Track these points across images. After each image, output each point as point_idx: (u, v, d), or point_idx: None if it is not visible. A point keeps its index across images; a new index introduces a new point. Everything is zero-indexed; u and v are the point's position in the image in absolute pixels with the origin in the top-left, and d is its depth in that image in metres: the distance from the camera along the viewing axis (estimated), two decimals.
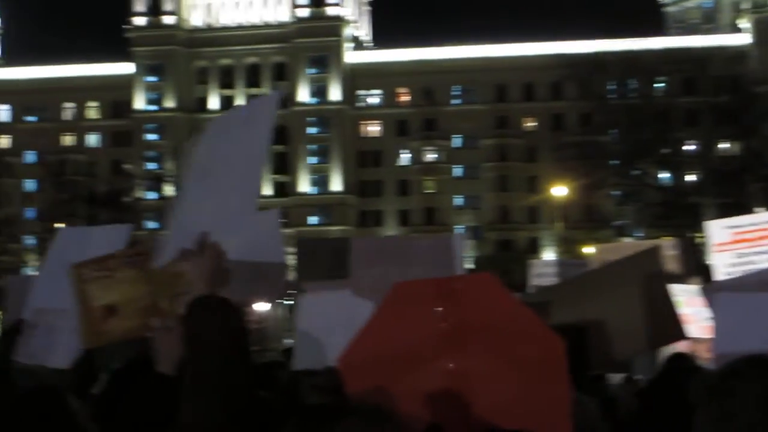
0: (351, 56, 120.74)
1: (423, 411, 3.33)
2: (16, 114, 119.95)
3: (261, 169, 3.53)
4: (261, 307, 38.29)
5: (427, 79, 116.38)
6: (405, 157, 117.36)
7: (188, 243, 3.28)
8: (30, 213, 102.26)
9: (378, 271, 5.49)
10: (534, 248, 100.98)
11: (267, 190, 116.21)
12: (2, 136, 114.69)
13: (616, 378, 10.56)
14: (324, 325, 5.70)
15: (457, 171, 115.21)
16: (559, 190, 78.79)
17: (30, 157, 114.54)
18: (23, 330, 5.58)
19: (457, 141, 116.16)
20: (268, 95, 3.79)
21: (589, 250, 49.63)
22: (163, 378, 3.52)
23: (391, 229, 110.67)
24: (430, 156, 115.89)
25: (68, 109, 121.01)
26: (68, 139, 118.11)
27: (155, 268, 3.78)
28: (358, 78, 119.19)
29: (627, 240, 63.15)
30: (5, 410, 3.65)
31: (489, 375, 3.34)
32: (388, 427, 3.01)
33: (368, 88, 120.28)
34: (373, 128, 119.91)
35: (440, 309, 3.44)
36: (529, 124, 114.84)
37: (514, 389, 3.34)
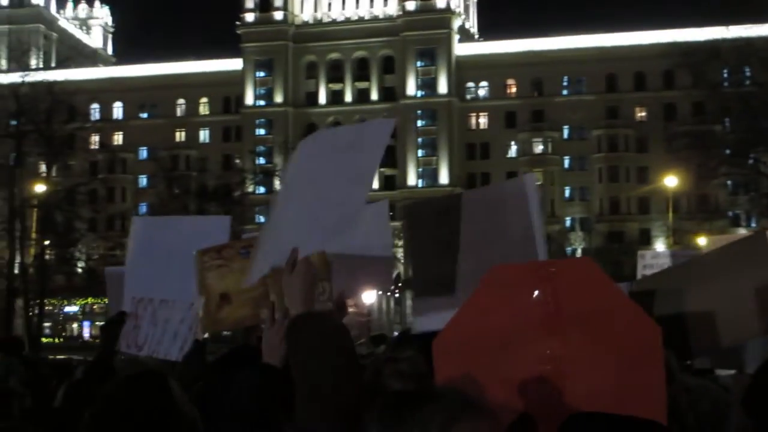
0: (459, 48, 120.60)
1: (516, 397, 3.22)
2: (129, 111, 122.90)
3: (365, 194, 3.48)
4: (369, 299, 38.56)
5: (535, 70, 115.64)
6: (513, 149, 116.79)
7: (281, 259, 3.30)
8: (143, 208, 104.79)
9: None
10: (645, 239, 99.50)
11: (375, 183, 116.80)
12: (116, 133, 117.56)
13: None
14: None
15: (566, 162, 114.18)
16: (671, 181, 77.47)
17: (143, 153, 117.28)
18: (126, 321, 5.61)
19: (566, 132, 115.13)
20: (383, 121, 3.73)
21: (701, 240, 48.64)
22: (269, 369, 3.57)
23: None
24: (539, 147, 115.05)
25: (180, 106, 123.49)
26: (180, 135, 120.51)
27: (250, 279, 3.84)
28: (466, 70, 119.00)
29: (740, 231, 61.79)
30: (108, 393, 3.71)
31: (585, 361, 3.21)
32: (471, 414, 2.93)
33: (476, 80, 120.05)
34: (481, 120, 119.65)
35: (537, 293, 3.29)
36: (640, 114, 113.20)
37: (609, 376, 3.21)
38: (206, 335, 5.29)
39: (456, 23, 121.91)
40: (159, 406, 3.53)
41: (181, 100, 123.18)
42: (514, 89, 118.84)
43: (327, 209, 3.41)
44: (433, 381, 3.29)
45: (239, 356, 4.68)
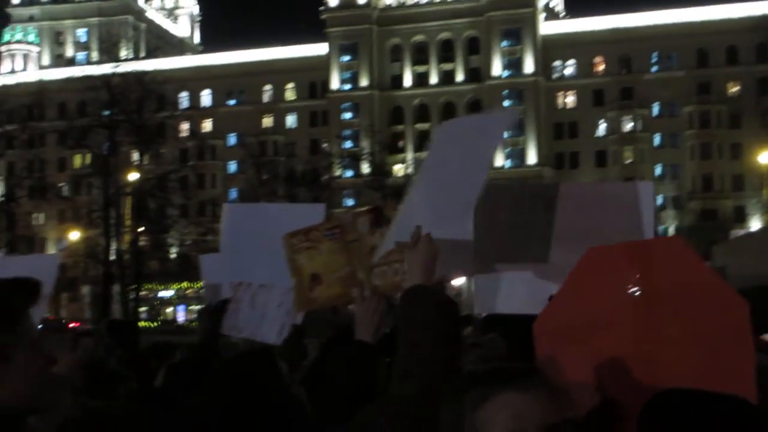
0: (544, 27, 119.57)
1: (611, 379, 3.22)
2: (217, 98, 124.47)
3: (482, 180, 3.56)
4: (458, 281, 38.46)
5: (623, 47, 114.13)
6: (602, 128, 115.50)
7: (405, 236, 3.43)
8: (233, 194, 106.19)
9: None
10: (739, 217, 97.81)
11: None
12: (205, 120, 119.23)
13: None
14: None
15: (657, 140, 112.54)
16: (765, 157, 75.93)
17: (231, 139, 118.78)
18: (229, 305, 5.71)
19: (655, 109, 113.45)
20: (508, 111, 3.86)
21: None
22: (362, 345, 3.67)
23: None
24: (628, 125, 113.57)
25: (267, 92, 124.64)
26: (267, 121, 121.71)
27: (352, 242, 4.11)
28: (552, 49, 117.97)
29: None
30: (216, 371, 3.78)
31: (677, 342, 3.21)
32: (544, 394, 2.94)
33: (563, 59, 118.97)
34: (569, 99, 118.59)
35: (633, 273, 3.29)
36: (732, 89, 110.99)
37: (701, 356, 3.19)
38: (300, 320, 5.39)
39: (541, 2, 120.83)
40: (269, 383, 3.57)
41: (268, 86, 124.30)
42: (601, 67, 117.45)
43: (448, 193, 3.53)
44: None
45: (342, 337, 4.76)
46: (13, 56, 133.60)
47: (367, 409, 3.22)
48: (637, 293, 3.27)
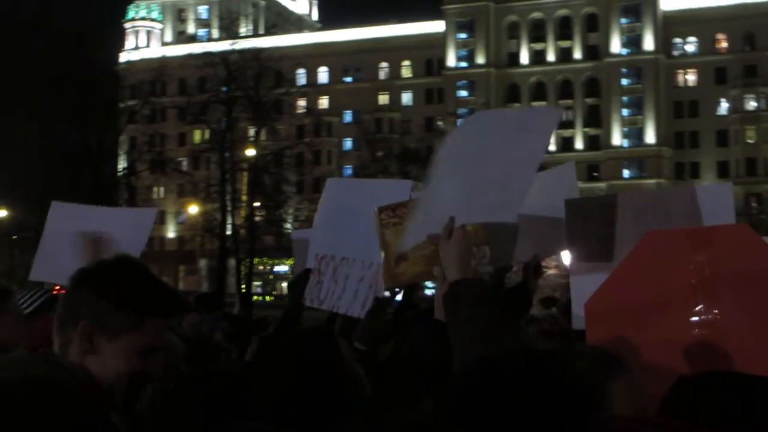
0: (666, 3, 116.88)
1: (669, 361, 3.24)
2: (334, 75, 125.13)
3: (532, 175, 3.59)
4: (567, 259, 38.03)
5: (747, 23, 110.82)
6: (724, 107, 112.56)
7: (437, 228, 3.43)
8: (347, 171, 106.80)
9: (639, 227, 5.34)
10: None
11: (578, 143, 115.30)
12: (321, 97, 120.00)
13: None
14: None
15: None
16: None
17: (347, 116, 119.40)
18: (311, 277, 5.84)
19: None
20: (551, 108, 3.85)
21: None
22: (440, 325, 3.64)
23: (709, 181, 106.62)
24: (751, 104, 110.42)
25: (383, 69, 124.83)
26: (383, 98, 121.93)
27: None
28: (673, 26, 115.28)
29: None
30: (280, 346, 3.90)
31: (740, 326, 3.22)
32: (617, 369, 2.98)
33: (684, 36, 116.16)
34: (690, 77, 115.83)
35: (695, 258, 3.29)
36: None
37: (764, 341, 3.20)
38: (386, 292, 5.48)
39: None
40: (323, 361, 3.67)
41: (384, 64, 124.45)
42: (724, 44, 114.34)
43: (490, 185, 3.50)
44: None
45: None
46: (137, 33, 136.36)
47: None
48: (701, 278, 3.27)
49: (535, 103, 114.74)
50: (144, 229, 6.41)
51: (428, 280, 4.25)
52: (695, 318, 3.27)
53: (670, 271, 3.34)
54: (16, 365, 2.67)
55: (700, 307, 3.28)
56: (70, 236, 5.95)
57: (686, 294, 3.30)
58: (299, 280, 5.95)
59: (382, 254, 4.45)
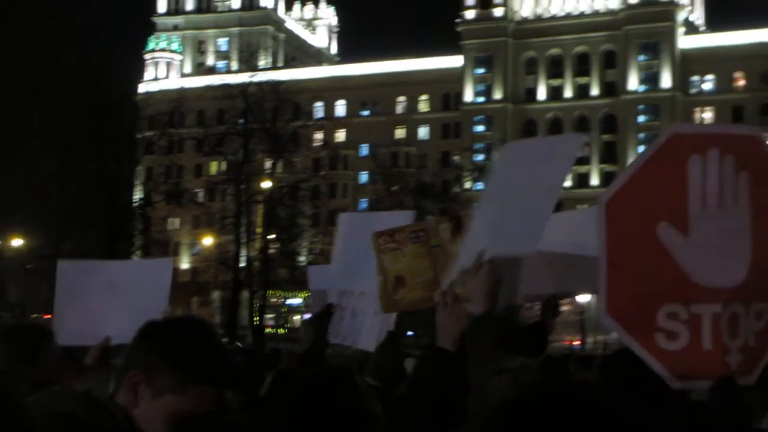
0: (683, 41, 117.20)
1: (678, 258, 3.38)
2: (351, 109, 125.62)
3: (552, 204, 3.61)
4: (583, 299, 38.06)
5: (765, 62, 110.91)
6: None
7: (468, 261, 3.49)
8: (362, 204, 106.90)
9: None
10: None
11: (594, 179, 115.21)
12: (338, 130, 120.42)
13: None
14: None
15: None
16: None
17: (364, 150, 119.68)
18: (334, 313, 5.82)
19: None
20: (575, 135, 3.91)
21: None
22: (442, 353, 3.67)
23: None
24: None
25: (400, 103, 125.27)
26: (400, 132, 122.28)
27: (436, 246, 4.14)
28: (690, 63, 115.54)
29: None
30: (296, 384, 3.85)
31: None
32: None
33: (701, 74, 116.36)
34: (707, 115, 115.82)
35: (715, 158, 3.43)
36: None
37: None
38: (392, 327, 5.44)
39: (680, 16, 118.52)
40: (340, 400, 3.62)
41: (402, 98, 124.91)
42: (742, 82, 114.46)
43: (515, 216, 3.53)
44: None
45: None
46: (156, 64, 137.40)
47: None
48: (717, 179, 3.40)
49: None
50: (165, 281, 6.39)
51: (427, 306, 4.13)
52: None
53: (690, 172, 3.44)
54: (59, 400, 2.67)
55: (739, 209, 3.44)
56: (88, 295, 5.92)
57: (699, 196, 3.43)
58: (322, 316, 5.92)
59: (380, 279, 4.42)
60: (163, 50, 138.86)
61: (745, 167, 3.39)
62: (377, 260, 4.42)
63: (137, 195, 74.89)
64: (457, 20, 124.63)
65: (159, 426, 2.67)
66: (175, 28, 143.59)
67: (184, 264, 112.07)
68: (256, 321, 67.73)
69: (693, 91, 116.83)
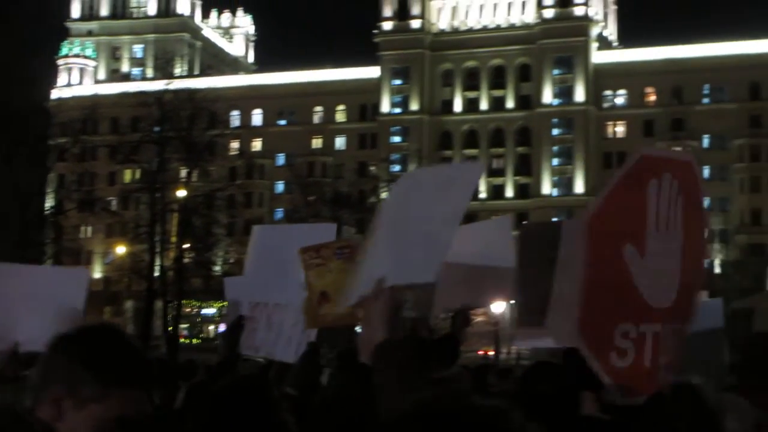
0: (597, 56, 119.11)
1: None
2: (268, 118, 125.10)
3: (453, 232, 3.65)
4: (496, 309, 38.24)
5: (675, 78, 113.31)
6: None
7: (366, 289, 3.50)
8: (278, 214, 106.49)
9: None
10: None
11: (509, 191, 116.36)
12: (254, 139, 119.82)
13: None
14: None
15: (706, 172, 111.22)
16: None
17: (280, 159, 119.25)
18: (245, 325, 5.82)
19: (706, 141, 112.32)
20: (475, 165, 3.99)
21: None
22: (364, 368, 3.68)
23: None
24: None
25: (317, 113, 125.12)
26: (316, 142, 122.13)
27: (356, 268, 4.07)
28: (603, 78, 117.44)
29: None
30: (212, 395, 3.87)
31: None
32: None
33: (614, 89, 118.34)
34: (619, 129, 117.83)
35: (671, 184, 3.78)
36: None
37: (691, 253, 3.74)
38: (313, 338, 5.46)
39: (594, 31, 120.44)
40: (254, 410, 3.64)
41: (319, 108, 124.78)
42: (653, 97, 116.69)
43: (414, 244, 3.56)
44: None
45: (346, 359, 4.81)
46: (69, 70, 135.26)
47: None
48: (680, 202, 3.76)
49: (467, 151, 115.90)
50: (81, 290, 6.32)
51: (351, 322, 4.26)
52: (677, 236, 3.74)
53: (660, 194, 3.74)
54: None
55: (678, 225, 3.74)
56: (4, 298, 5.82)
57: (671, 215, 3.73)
58: (234, 328, 5.91)
59: (306, 294, 4.45)
60: (76, 56, 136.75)
61: (682, 191, 3.59)
62: (303, 276, 4.45)
63: (49, 203, 73.60)
64: (375, 31, 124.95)
65: None
66: (90, 33, 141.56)
67: (97, 273, 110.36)
68: (170, 331, 66.99)
69: (606, 105, 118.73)
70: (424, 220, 3.59)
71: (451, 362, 5.67)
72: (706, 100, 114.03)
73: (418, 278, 3.62)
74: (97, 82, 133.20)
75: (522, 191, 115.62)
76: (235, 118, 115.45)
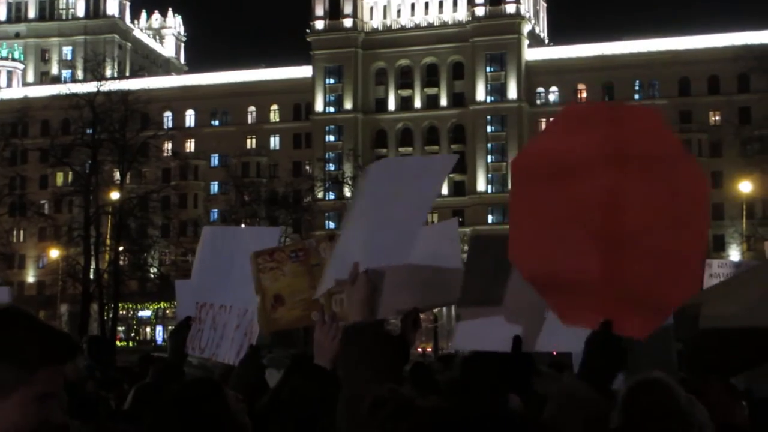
0: (529, 53, 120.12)
1: (579, 220, 3.55)
2: (201, 119, 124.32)
3: (424, 218, 3.77)
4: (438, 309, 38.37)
5: (606, 75, 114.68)
6: None
7: (343, 274, 3.53)
8: (214, 215, 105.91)
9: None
10: (719, 246, 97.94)
11: (444, 189, 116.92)
12: (188, 140, 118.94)
13: None
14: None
15: None
16: (745, 186, 76.36)
17: (214, 160, 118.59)
18: (192, 325, 5.82)
19: None
20: (447, 156, 4.09)
21: None
22: (318, 371, 3.73)
23: None
24: None
25: (251, 113, 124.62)
26: (250, 142, 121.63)
27: (316, 266, 4.21)
28: (535, 75, 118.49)
29: None
30: (167, 398, 3.85)
31: (640, 197, 3.54)
32: None
33: (546, 85, 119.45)
34: None
35: (607, 133, 3.62)
36: (714, 118, 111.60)
37: (661, 214, 3.53)
38: (254, 342, 5.48)
39: (526, 28, 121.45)
40: (212, 413, 3.66)
41: (252, 108, 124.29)
42: (584, 94, 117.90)
43: (388, 229, 3.63)
44: None
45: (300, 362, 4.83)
46: None
47: None
48: (609, 150, 3.58)
49: (401, 149, 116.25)
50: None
51: (306, 324, 4.23)
52: (602, 185, 3.57)
53: (586, 139, 3.63)
54: None
55: (606, 175, 3.58)
56: None
57: (596, 163, 3.59)
58: (180, 328, 5.93)
59: (259, 299, 4.46)
60: (4, 59, 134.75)
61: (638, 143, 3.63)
62: (255, 279, 4.43)
63: None
64: (307, 30, 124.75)
65: (19, 420, 2.51)
66: (17, 36, 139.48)
67: (30, 278, 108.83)
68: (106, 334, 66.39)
69: (539, 102, 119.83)
70: (394, 206, 3.68)
71: (401, 365, 5.72)
72: (637, 96, 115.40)
73: (391, 260, 3.70)
74: (25, 84, 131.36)
75: (457, 189, 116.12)
76: (167, 119, 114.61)
